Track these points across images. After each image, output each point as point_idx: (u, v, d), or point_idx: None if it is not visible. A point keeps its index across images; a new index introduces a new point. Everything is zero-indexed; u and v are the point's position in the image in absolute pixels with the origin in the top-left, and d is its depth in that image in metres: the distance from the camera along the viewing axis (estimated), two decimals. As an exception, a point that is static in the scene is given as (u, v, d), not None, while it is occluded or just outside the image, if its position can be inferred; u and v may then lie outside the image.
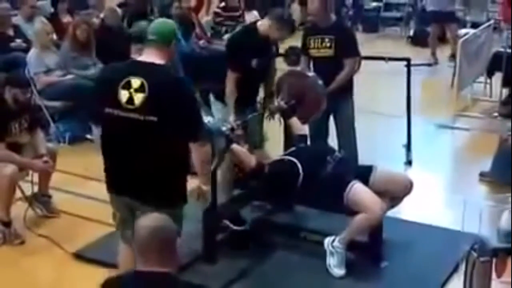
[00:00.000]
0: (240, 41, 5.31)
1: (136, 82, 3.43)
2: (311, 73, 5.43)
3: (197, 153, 3.55)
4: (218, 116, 5.19)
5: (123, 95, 3.44)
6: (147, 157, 3.47)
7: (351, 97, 5.76)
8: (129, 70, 3.55)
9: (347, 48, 5.57)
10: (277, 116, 5.09)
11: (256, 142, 5.30)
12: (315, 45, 5.60)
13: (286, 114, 5.13)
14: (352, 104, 5.75)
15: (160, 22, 3.74)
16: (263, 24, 5.12)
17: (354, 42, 5.70)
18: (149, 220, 2.67)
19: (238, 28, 7.53)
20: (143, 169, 3.51)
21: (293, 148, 4.98)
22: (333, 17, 5.78)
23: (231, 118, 5.01)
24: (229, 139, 4.40)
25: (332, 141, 5.76)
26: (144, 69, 3.50)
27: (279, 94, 5.14)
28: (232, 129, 4.70)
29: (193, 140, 3.53)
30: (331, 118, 5.79)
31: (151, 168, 3.49)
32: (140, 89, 3.42)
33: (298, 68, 5.88)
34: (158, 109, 3.40)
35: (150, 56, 3.55)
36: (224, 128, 4.38)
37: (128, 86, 3.45)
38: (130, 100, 3.43)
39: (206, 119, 4.11)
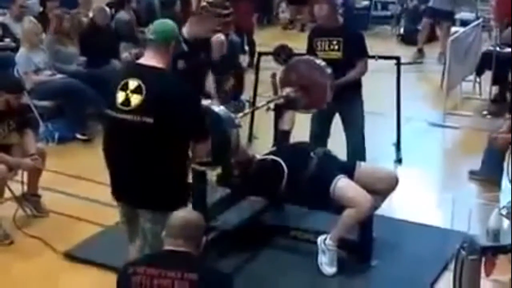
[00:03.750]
0: None
1: (133, 83, 3.43)
2: (322, 62, 5.27)
3: (196, 149, 3.57)
4: None
5: (120, 96, 3.45)
6: (143, 159, 3.46)
7: (360, 98, 5.70)
8: (128, 72, 3.62)
9: (357, 50, 5.52)
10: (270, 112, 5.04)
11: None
12: (322, 48, 5.52)
13: (289, 105, 5.05)
14: (361, 104, 5.69)
15: (160, 22, 3.71)
16: (185, 27, 5.06)
17: (363, 43, 5.63)
18: (183, 213, 3.18)
19: None
20: (139, 172, 3.50)
21: (274, 148, 4.96)
22: (341, 19, 5.76)
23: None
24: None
25: (333, 141, 5.72)
26: (142, 71, 3.51)
27: (286, 82, 5.05)
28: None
29: (196, 141, 3.55)
30: (334, 120, 5.74)
31: (147, 170, 3.47)
32: (136, 91, 3.41)
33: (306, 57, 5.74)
34: (155, 110, 3.38)
35: (149, 58, 3.55)
36: (237, 120, 4.28)
37: (125, 87, 3.45)
38: (126, 101, 3.43)
39: (217, 109, 4.04)
